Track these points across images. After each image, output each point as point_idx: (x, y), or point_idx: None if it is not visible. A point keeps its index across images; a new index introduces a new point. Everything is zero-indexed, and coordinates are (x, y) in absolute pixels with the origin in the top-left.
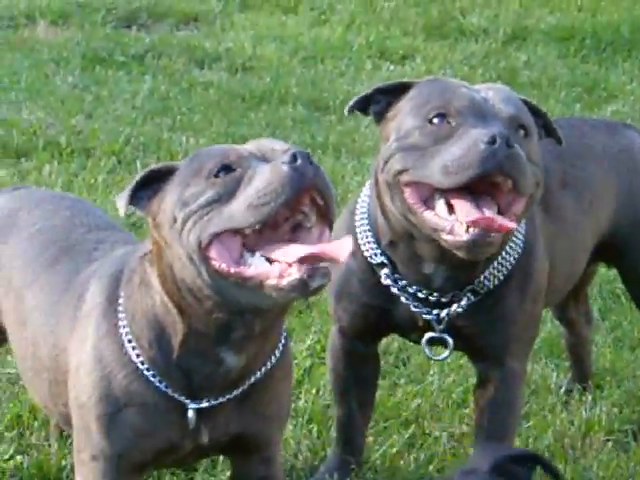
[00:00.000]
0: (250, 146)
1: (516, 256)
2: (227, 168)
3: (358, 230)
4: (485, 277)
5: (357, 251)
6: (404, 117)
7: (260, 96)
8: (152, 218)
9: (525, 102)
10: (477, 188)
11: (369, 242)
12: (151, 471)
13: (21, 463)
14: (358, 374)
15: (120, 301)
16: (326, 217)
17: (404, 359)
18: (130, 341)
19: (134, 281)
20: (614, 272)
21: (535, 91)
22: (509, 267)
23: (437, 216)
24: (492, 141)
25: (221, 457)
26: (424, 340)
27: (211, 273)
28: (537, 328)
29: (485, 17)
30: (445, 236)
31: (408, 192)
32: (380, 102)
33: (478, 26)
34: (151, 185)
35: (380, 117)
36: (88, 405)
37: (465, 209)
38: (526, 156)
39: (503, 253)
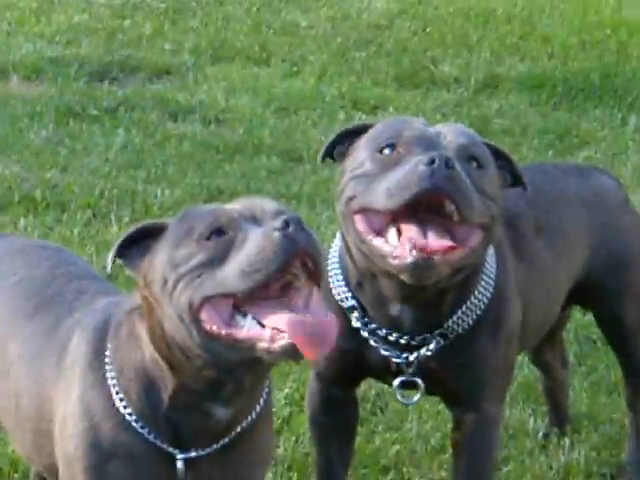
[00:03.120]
0: (239, 206)
1: (486, 301)
2: (218, 231)
3: (330, 274)
4: (454, 321)
5: (330, 295)
6: (359, 151)
7: (234, 147)
8: (142, 276)
9: (488, 145)
10: (427, 219)
11: (339, 286)
12: None
13: None
14: (337, 420)
15: (107, 353)
16: (315, 278)
17: (381, 406)
18: (118, 392)
19: (122, 334)
20: (589, 317)
21: (507, 139)
22: (479, 312)
23: (386, 243)
24: (430, 162)
25: None
26: (395, 384)
27: (202, 334)
28: (511, 372)
29: (456, 66)
30: (392, 261)
31: (358, 219)
32: (344, 143)
33: (449, 75)
34: (141, 242)
35: (342, 157)
36: (75, 456)
37: (409, 233)
38: (477, 187)
39: (472, 297)
